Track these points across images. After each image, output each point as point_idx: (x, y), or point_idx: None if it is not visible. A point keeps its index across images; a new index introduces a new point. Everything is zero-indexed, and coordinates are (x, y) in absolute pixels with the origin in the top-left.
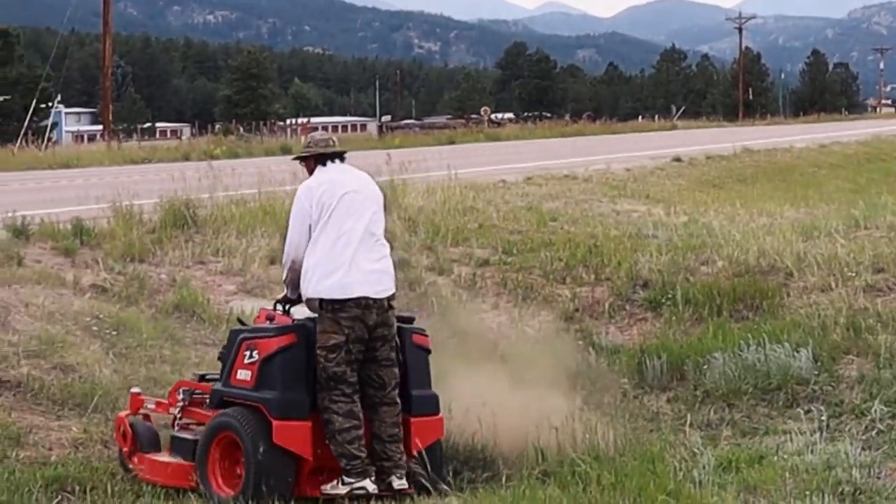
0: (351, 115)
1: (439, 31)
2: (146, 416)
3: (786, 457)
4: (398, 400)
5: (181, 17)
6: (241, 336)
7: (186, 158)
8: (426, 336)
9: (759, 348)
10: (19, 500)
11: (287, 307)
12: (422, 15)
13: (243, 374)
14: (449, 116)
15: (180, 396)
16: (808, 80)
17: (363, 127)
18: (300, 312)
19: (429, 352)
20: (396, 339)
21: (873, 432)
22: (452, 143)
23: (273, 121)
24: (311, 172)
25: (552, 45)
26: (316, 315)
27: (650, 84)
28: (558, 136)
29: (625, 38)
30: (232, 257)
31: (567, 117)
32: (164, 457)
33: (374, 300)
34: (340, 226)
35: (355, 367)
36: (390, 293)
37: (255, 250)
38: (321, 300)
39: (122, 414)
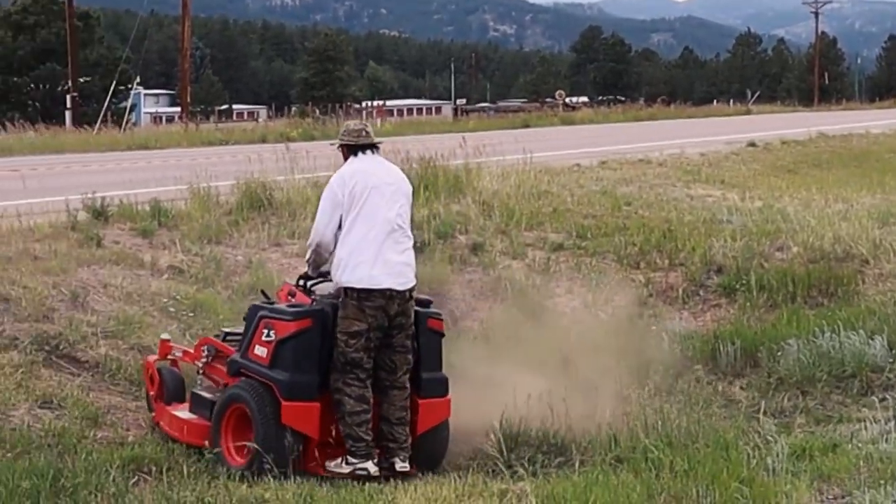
0: (426, 97)
1: (515, 14)
2: (174, 363)
3: (860, 445)
4: (408, 385)
5: None
6: (261, 314)
7: (263, 141)
8: (441, 320)
9: (834, 335)
10: (96, 480)
11: (308, 284)
12: None
13: (260, 351)
14: (523, 100)
15: (204, 353)
16: (884, 66)
17: (438, 110)
18: (324, 289)
19: (442, 335)
20: (413, 326)
21: None
22: (527, 126)
23: (349, 103)
24: (345, 160)
25: (627, 28)
26: (333, 297)
27: (725, 68)
28: (633, 120)
29: (700, 21)
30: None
31: (641, 101)
32: (183, 412)
33: (398, 292)
34: (370, 218)
35: (372, 353)
36: (412, 285)
37: None
38: (348, 289)
39: (151, 359)
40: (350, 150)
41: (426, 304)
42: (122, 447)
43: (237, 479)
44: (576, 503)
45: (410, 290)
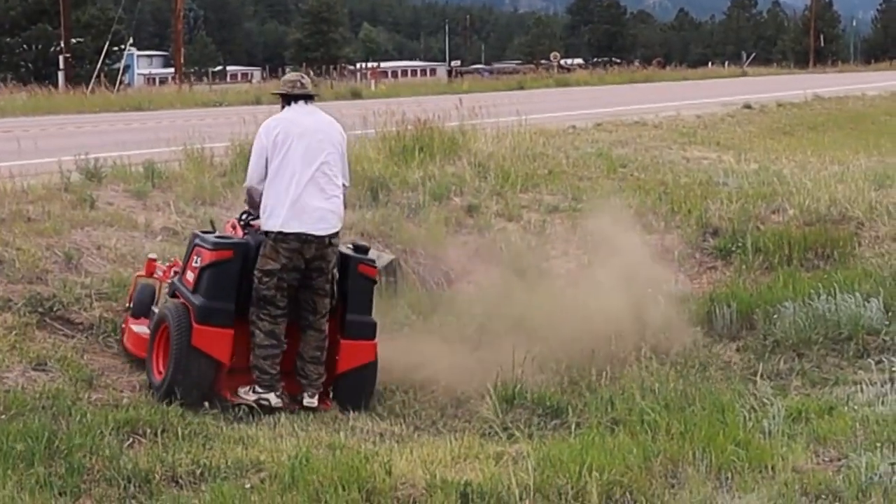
0: (420, 59)
1: None
2: (161, 280)
3: (856, 408)
4: (324, 328)
5: None
6: (195, 241)
7: (257, 102)
8: (374, 267)
9: (830, 298)
10: (91, 442)
11: (248, 219)
12: None
13: (189, 276)
14: (518, 62)
15: (172, 273)
16: (879, 28)
17: (433, 72)
18: None
19: (374, 281)
20: (335, 271)
21: None
22: (522, 88)
23: (343, 65)
24: (281, 109)
25: None
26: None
27: (720, 30)
28: (628, 82)
29: None
30: None
31: (637, 63)
32: (139, 326)
33: (315, 236)
34: (292, 165)
35: (286, 293)
36: (332, 231)
37: None
38: (267, 231)
39: (136, 274)
40: (285, 99)
41: (364, 250)
42: (116, 409)
43: (231, 441)
44: (572, 465)
45: (331, 237)
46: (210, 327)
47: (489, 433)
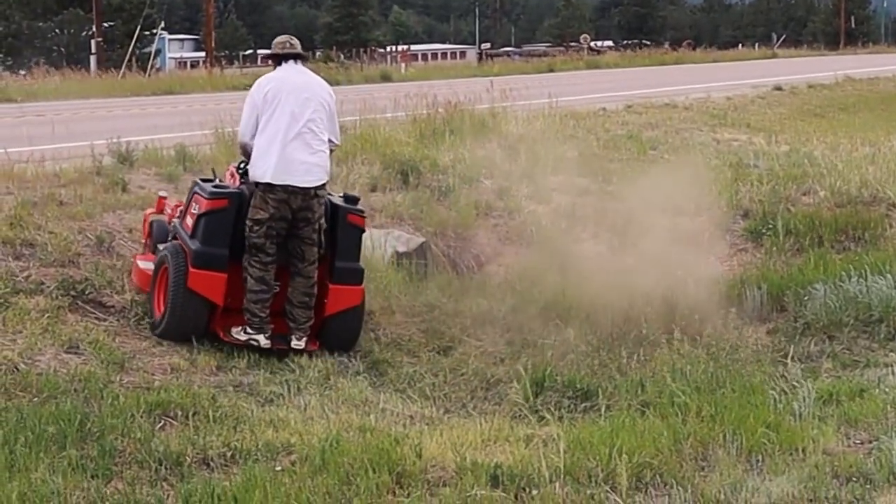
0: (451, 42)
1: None
2: (169, 219)
3: (887, 390)
4: (313, 275)
5: None
6: (194, 189)
7: None
8: (362, 217)
9: (861, 280)
10: (123, 424)
11: (246, 168)
12: None
13: (188, 221)
14: (548, 44)
15: (178, 212)
16: None
17: (462, 55)
18: None
19: (362, 230)
20: (322, 221)
21: None
22: (552, 70)
23: (373, 48)
24: (274, 70)
25: None
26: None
27: (750, 12)
28: (658, 64)
29: None
30: (332, 183)
31: (666, 45)
32: (144, 262)
33: (301, 188)
34: (280, 120)
35: (275, 241)
36: (318, 183)
37: (356, 177)
38: (257, 182)
39: (148, 212)
40: (276, 60)
41: (354, 200)
42: (148, 392)
43: (262, 423)
44: (602, 447)
45: (317, 188)
46: (205, 271)
47: (519, 416)
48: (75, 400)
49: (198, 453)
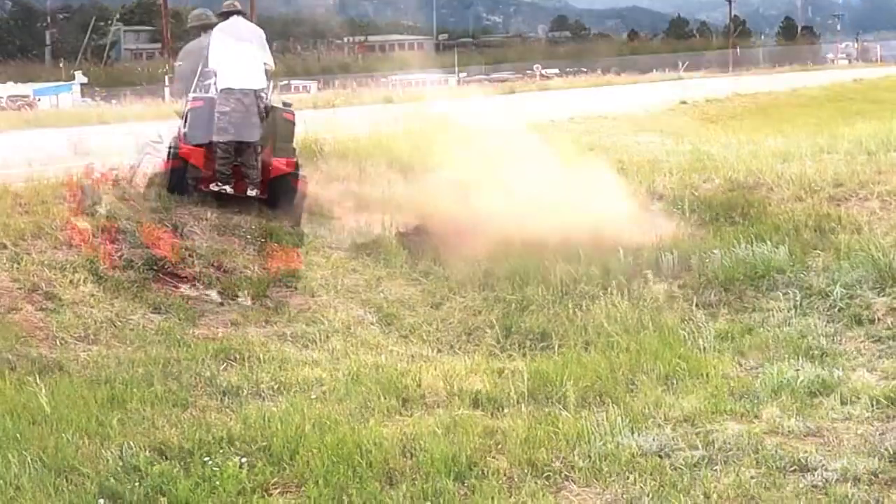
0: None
1: (502, 6)
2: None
3: (769, 329)
4: (258, 148)
5: None
6: (189, 99)
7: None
8: (293, 114)
9: (748, 246)
10: (195, 366)
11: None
12: None
13: (182, 121)
14: (511, 72)
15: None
16: (781, 40)
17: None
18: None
19: (293, 123)
20: (265, 114)
21: (835, 309)
22: (513, 92)
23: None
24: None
25: (587, 16)
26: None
27: (662, 46)
28: (593, 86)
29: (643, 9)
30: (349, 182)
31: (599, 72)
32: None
33: (249, 89)
34: (233, 49)
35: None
36: (258, 87)
37: (367, 176)
38: (220, 88)
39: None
40: (223, 16)
41: (288, 105)
42: (214, 341)
43: (301, 364)
44: (556, 376)
45: (256, 90)
46: (190, 147)
47: (493, 354)
48: (159, 348)
49: (252, 387)
